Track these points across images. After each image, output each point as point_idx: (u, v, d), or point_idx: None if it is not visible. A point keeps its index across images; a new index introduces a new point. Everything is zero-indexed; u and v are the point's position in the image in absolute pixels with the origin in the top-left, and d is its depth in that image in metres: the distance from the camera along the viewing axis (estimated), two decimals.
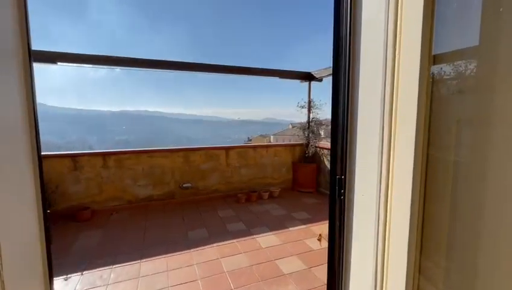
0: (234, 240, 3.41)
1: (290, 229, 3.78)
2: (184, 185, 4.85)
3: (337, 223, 1.34)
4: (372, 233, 1.10)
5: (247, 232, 3.67)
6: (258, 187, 5.41)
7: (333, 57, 1.30)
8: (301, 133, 5.90)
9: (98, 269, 2.78)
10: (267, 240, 3.44)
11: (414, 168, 0.93)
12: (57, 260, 2.91)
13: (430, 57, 0.93)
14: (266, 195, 5.11)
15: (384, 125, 1.04)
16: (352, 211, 1.25)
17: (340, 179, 1.32)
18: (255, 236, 3.54)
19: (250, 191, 5.06)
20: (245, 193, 5.07)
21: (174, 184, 4.82)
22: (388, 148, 1.04)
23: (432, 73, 0.94)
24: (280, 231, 3.71)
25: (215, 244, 3.30)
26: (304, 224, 3.94)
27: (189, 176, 4.91)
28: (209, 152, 5.08)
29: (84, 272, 2.72)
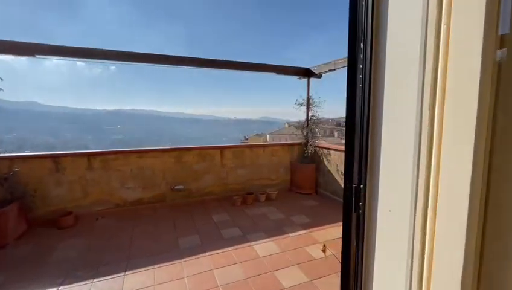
0: (229, 248, 3.14)
1: (289, 235, 3.52)
2: (176, 187, 4.57)
3: (353, 245, 1.08)
4: (403, 269, 0.84)
5: (243, 238, 3.40)
6: (254, 189, 5.15)
7: (349, 40, 1.04)
8: (299, 132, 5.66)
9: (76, 284, 2.49)
10: (264, 247, 3.18)
11: (472, 181, 0.67)
12: (31, 274, 2.62)
13: (496, 38, 0.66)
14: (263, 197, 4.85)
15: (423, 121, 0.78)
16: (374, 232, 0.98)
17: (358, 188, 1.05)
18: (251, 243, 3.28)
19: (246, 193, 4.79)
20: (241, 195, 4.80)
21: (166, 186, 4.53)
22: (429, 150, 0.77)
23: (498, 59, 0.67)
24: (278, 237, 3.45)
25: (208, 253, 3.03)
26: (304, 229, 3.68)
27: (181, 178, 4.63)
28: (203, 152, 4.79)
29: (60, 288, 2.43)
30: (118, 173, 4.22)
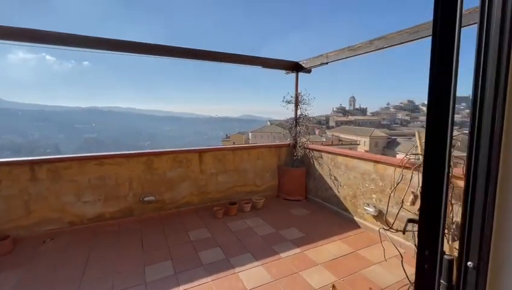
0: (209, 279, 2.54)
1: (281, 255, 2.98)
2: (146, 199, 3.87)
3: None
4: None
5: (226, 263, 2.81)
6: (238, 197, 4.56)
7: None
8: (287, 132, 5.14)
9: None
10: (252, 275, 2.61)
11: None
12: None
13: None
14: (248, 207, 4.27)
15: None
16: None
17: (463, 267, 0.51)
18: (236, 270, 2.69)
19: (228, 203, 4.19)
20: (223, 205, 4.20)
21: (133, 198, 3.82)
22: None
23: None
24: (268, 259, 2.90)
25: (182, 288, 2.41)
26: (298, 246, 3.16)
27: (152, 187, 3.94)
28: (178, 156, 4.12)
29: None
30: (71, 184, 3.46)
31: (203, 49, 4.16)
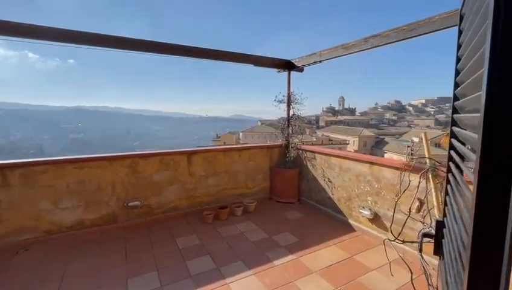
0: None
1: (275, 263, 2.83)
2: (130, 204, 3.64)
3: None
4: None
5: (216, 273, 2.63)
6: (229, 200, 4.39)
7: None
8: (279, 132, 5.01)
9: None
10: (244, 285, 2.45)
11: None
12: None
13: None
14: (239, 211, 4.10)
15: None
16: None
17: None
18: (227, 280, 2.52)
19: (219, 207, 4.01)
20: (213, 209, 4.01)
21: (116, 203, 3.58)
22: None
23: None
24: (261, 267, 2.74)
25: None
26: (292, 253, 3.02)
27: (137, 191, 3.71)
28: (165, 158, 3.91)
29: None
30: (48, 189, 3.19)
31: (195, 46, 3.98)
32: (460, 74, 0.93)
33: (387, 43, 3.21)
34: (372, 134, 52.87)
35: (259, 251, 3.06)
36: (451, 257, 0.83)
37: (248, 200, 4.34)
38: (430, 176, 1.75)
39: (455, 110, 0.97)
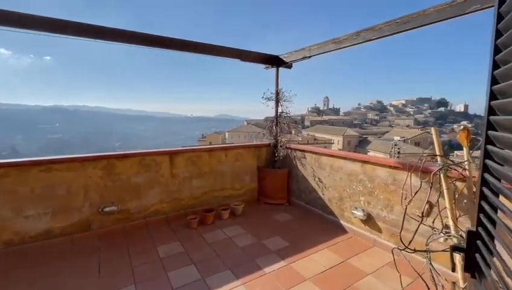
0: None
1: (265, 270, 2.62)
2: (106, 209, 3.32)
3: None
4: None
5: (201, 285, 2.39)
6: (215, 202, 4.14)
7: None
8: (266, 131, 4.81)
9: None
10: None
11: None
12: None
13: None
14: (226, 214, 3.87)
15: None
16: None
17: None
18: None
19: (204, 210, 3.76)
20: (198, 212, 3.75)
21: (90, 209, 3.25)
22: None
23: None
24: (251, 275, 2.53)
25: None
26: (282, 259, 2.82)
27: (114, 195, 3.39)
28: (145, 159, 3.61)
29: None
30: (9, 195, 2.82)
31: (179, 38, 3.70)
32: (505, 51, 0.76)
33: (380, 37, 3.08)
34: (356, 133, 54.04)
35: (248, 257, 2.85)
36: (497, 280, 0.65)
37: (235, 202, 4.11)
38: (441, 176, 1.60)
39: (493, 97, 0.80)
